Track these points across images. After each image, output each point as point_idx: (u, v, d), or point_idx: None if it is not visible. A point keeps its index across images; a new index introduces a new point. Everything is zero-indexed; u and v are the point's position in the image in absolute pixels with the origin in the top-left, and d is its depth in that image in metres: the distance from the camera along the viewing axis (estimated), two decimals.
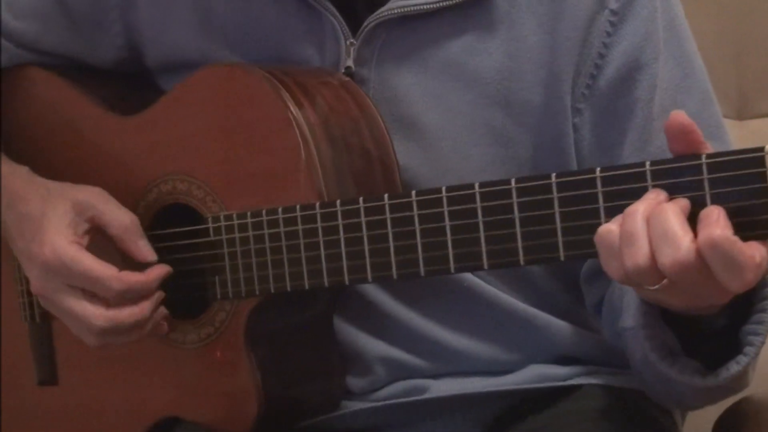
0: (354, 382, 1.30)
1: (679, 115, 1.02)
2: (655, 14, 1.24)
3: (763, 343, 1.09)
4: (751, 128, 1.63)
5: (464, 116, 1.25)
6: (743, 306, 1.08)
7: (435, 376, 1.29)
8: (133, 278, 1.23)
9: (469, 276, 1.26)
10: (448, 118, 1.25)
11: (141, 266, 1.26)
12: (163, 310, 1.26)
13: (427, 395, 1.28)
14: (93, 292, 1.24)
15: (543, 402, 1.28)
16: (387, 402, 1.28)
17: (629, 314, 1.17)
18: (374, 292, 1.27)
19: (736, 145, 1.23)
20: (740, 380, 1.11)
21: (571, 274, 1.31)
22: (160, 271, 1.25)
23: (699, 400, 1.20)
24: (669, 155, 1.03)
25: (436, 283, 1.25)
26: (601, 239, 1.02)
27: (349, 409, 1.29)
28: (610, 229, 1.01)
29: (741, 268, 0.96)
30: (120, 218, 1.27)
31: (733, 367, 1.08)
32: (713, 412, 1.35)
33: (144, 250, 1.26)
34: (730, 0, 1.64)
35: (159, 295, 1.25)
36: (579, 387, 1.29)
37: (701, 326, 1.10)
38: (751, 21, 1.63)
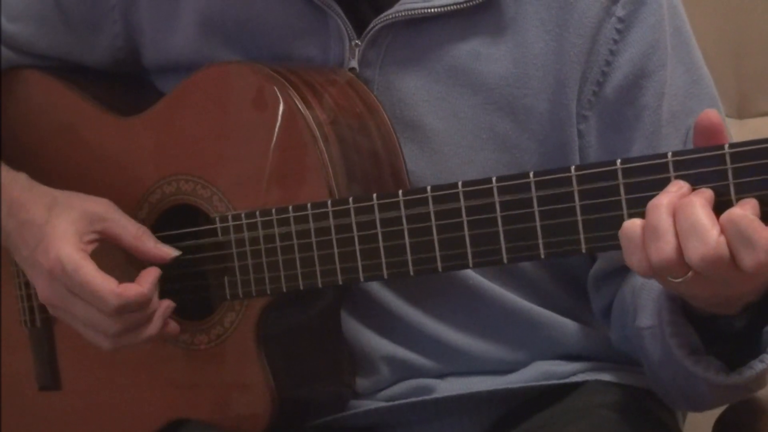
0: (358, 382, 1.28)
1: (712, 114, 1.02)
2: (662, 21, 1.24)
3: None
4: (751, 127, 1.64)
5: (468, 121, 1.24)
6: (764, 307, 1.08)
7: (440, 375, 1.28)
8: (131, 292, 1.21)
9: (473, 275, 1.25)
10: (452, 123, 1.24)
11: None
12: (169, 302, 1.24)
13: (435, 395, 1.27)
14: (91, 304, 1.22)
15: (547, 399, 1.27)
16: (395, 402, 1.27)
17: (646, 314, 1.17)
18: (379, 290, 1.26)
19: None
20: (760, 380, 1.12)
21: (574, 273, 1.30)
22: (153, 275, 1.22)
23: (716, 399, 1.19)
24: None
25: (441, 282, 1.24)
26: (624, 233, 1.01)
27: (359, 409, 1.28)
28: (634, 223, 1.00)
29: (755, 245, 0.95)
30: (131, 227, 1.24)
31: (758, 366, 1.08)
32: (713, 411, 1.33)
33: (162, 249, 1.24)
34: (730, 0, 1.65)
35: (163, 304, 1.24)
36: (583, 383, 1.28)
37: (720, 327, 1.09)
38: (751, 21, 1.64)
